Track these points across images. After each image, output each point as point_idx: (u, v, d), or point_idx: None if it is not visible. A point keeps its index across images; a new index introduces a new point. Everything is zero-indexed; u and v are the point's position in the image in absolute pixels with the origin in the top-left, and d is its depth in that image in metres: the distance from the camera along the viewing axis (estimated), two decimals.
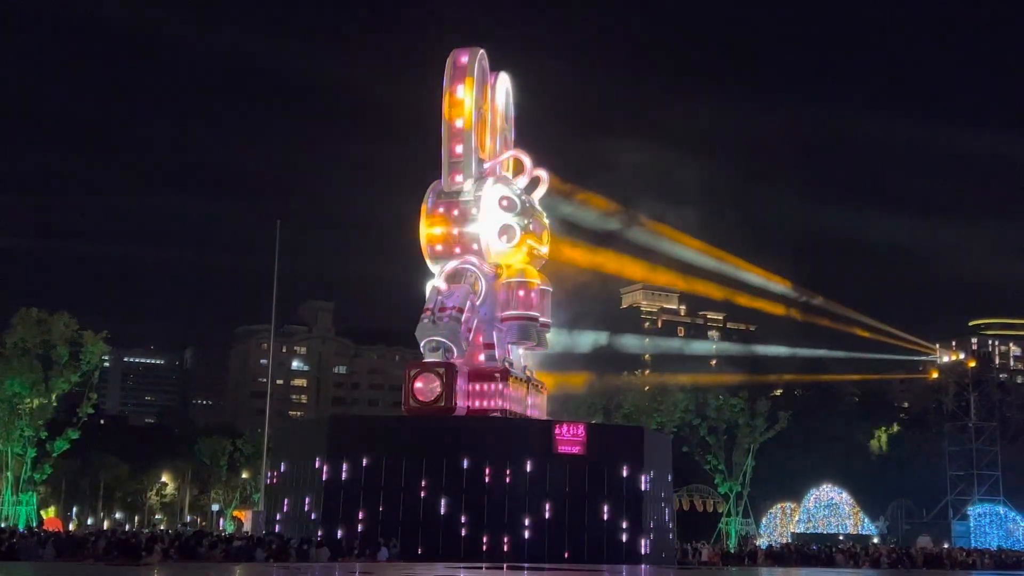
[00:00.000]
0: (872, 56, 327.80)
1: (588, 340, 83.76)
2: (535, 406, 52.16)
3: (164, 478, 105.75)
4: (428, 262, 50.49)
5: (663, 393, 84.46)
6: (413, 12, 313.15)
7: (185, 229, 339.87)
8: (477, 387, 47.98)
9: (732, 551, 68.19)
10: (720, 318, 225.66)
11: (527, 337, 50.30)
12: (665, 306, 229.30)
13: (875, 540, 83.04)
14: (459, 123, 49.55)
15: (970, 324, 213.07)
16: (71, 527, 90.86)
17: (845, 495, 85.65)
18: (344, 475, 45.31)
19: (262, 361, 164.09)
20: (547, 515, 45.70)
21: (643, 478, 47.86)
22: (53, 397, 67.50)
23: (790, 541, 77.54)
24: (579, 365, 78.79)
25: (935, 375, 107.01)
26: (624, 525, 46.89)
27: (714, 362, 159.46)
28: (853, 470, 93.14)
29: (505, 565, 42.45)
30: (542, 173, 53.06)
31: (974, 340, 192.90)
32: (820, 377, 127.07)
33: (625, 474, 47.44)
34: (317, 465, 46.63)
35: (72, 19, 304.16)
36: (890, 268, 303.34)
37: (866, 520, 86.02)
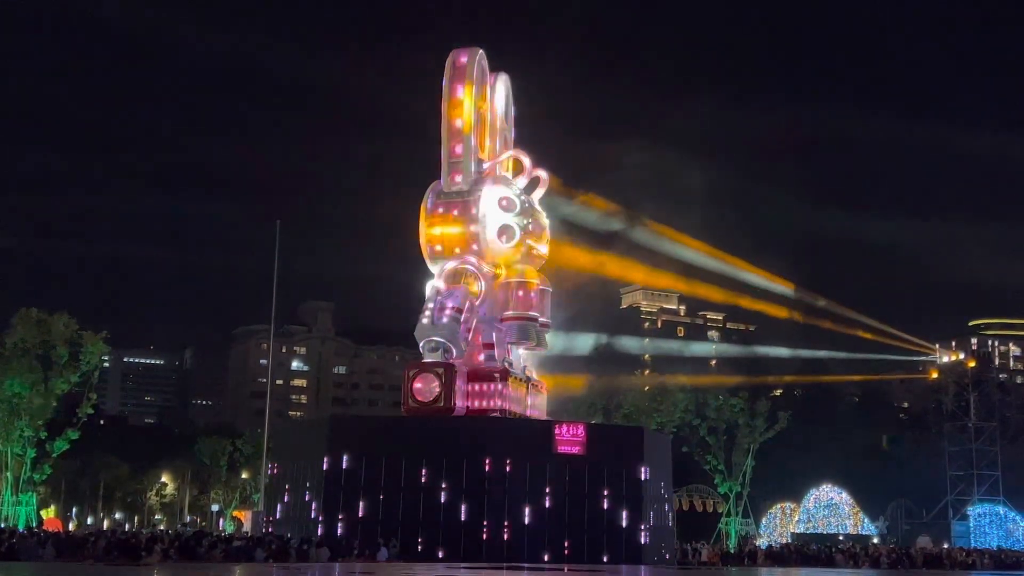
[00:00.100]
0: (872, 57, 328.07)
1: (588, 341, 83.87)
2: (535, 406, 52.18)
3: (164, 478, 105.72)
4: (428, 262, 50.50)
5: (663, 393, 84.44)
6: (413, 12, 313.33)
7: (185, 229, 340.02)
8: (476, 387, 48.00)
9: (732, 551, 68.19)
10: (720, 318, 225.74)
11: (527, 337, 50.34)
12: (665, 306, 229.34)
13: (875, 540, 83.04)
14: (458, 123, 49.57)
15: (970, 324, 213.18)
16: (71, 527, 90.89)
17: (845, 495, 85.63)
18: (344, 475, 45.32)
19: (262, 361, 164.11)
20: (547, 515, 45.71)
21: (643, 478, 47.86)
22: (53, 397, 67.47)
23: (790, 541, 77.53)
24: (579, 366, 78.81)
25: (935, 375, 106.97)
26: (624, 525, 46.91)
27: (714, 362, 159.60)
28: (853, 470, 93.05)
29: (505, 565, 42.45)
30: (542, 173, 53.07)
31: (974, 340, 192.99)
32: (820, 378, 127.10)
33: (625, 474, 47.45)
34: (317, 465, 46.64)
35: (72, 19, 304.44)
36: (890, 268, 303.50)
37: (866, 520, 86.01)
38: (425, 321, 47.15)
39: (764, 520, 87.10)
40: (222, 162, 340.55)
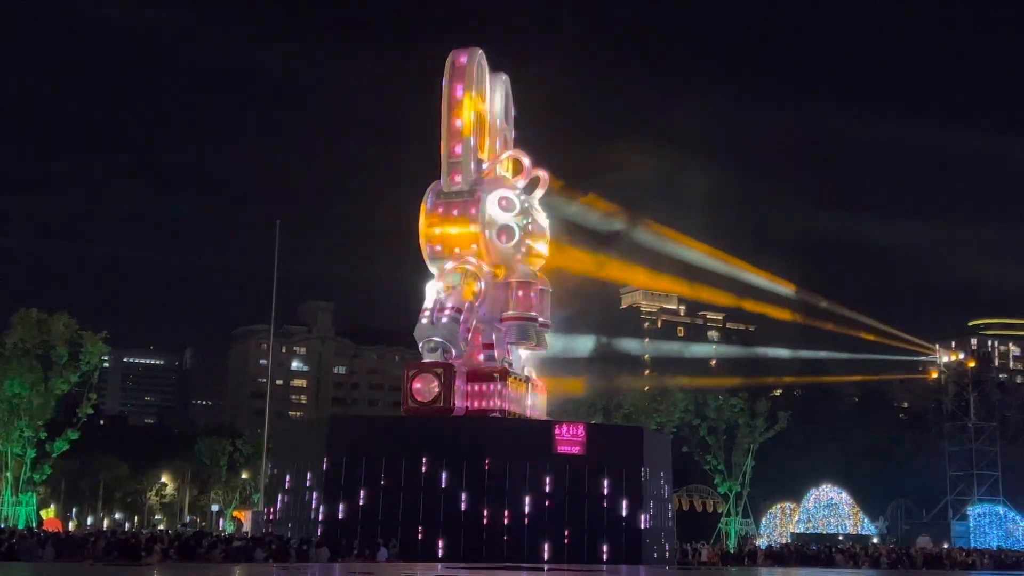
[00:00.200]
0: (872, 57, 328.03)
1: (588, 343, 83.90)
2: (535, 406, 52.17)
3: (164, 478, 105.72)
4: (427, 262, 50.48)
5: (663, 393, 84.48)
6: (413, 13, 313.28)
7: (185, 229, 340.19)
8: (476, 387, 47.97)
9: (732, 551, 68.19)
10: (720, 318, 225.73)
11: (526, 337, 50.31)
12: (665, 306, 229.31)
13: (875, 540, 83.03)
14: (458, 123, 49.55)
15: (970, 324, 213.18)
16: (71, 527, 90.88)
17: (845, 495, 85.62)
18: (344, 476, 45.32)
19: (262, 361, 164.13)
20: (547, 515, 45.71)
21: (643, 478, 47.86)
22: (53, 397, 67.47)
23: (790, 541, 77.53)
24: (579, 368, 78.85)
25: (935, 375, 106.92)
26: (623, 525, 46.90)
27: (713, 362, 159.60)
28: (853, 470, 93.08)
29: (505, 565, 42.44)
30: (541, 173, 53.06)
31: (974, 340, 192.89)
32: (821, 379, 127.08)
33: (625, 474, 47.44)
34: (316, 465, 46.66)
35: (71, 19, 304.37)
36: (890, 268, 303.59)
37: (866, 520, 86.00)
38: (424, 321, 47.17)
39: (764, 520, 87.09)
40: (222, 162, 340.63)
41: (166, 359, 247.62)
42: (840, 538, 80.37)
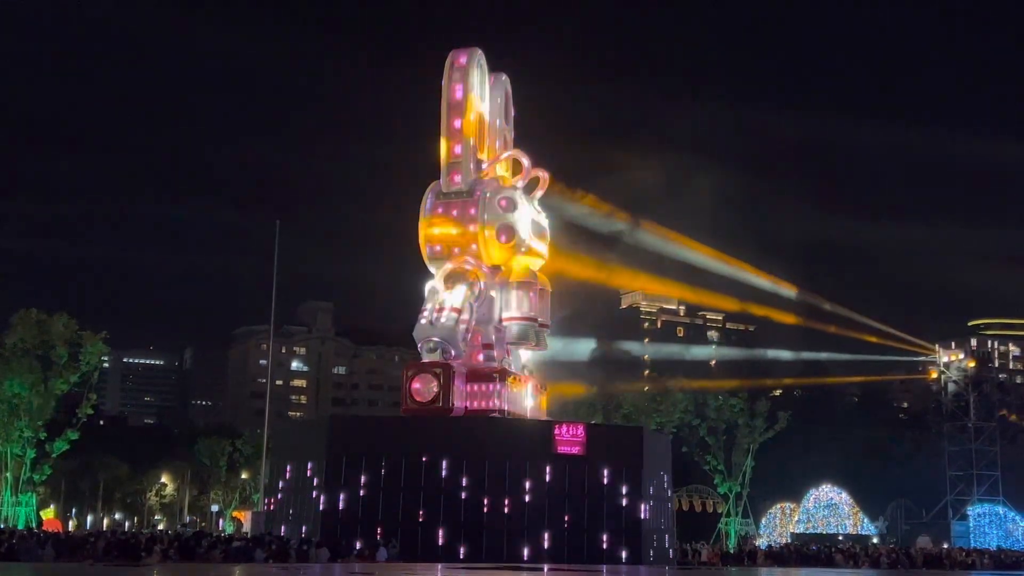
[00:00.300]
0: (875, 63, 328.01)
1: (589, 344, 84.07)
2: (534, 407, 52.19)
3: (163, 479, 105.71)
4: (427, 262, 50.46)
5: (662, 393, 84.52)
6: (413, 13, 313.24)
7: (184, 229, 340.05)
8: (476, 388, 47.97)
9: (732, 551, 68.21)
10: (719, 318, 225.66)
11: (526, 338, 50.32)
12: (664, 306, 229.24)
13: (874, 540, 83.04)
14: (457, 124, 49.53)
15: (970, 324, 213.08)
16: (70, 528, 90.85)
17: (844, 495, 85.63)
18: (343, 476, 45.29)
19: (261, 361, 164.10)
20: (546, 515, 45.71)
21: (643, 478, 47.85)
22: (52, 398, 67.48)
23: (789, 541, 77.55)
24: (580, 369, 78.96)
25: (934, 375, 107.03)
26: (623, 525, 46.89)
27: (713, 362, 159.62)
28: (853, 470, 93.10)
29: (504, 564, 42.46)
30: (541, 173, 53.05)
31: (974, 340, 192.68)
32: (821, 380, 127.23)
33: (625, 474, 47.44)
34: (316, 466, 46.66)
35: (70, 20, 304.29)
36: (890, 269, 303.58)
37: (865, 520, 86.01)
38: (424, 321, 47.16)
39: (764, 520, 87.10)
40: (222, 162, 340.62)
41: (166, 359, 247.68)
42: (840, 538, 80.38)
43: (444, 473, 45.06)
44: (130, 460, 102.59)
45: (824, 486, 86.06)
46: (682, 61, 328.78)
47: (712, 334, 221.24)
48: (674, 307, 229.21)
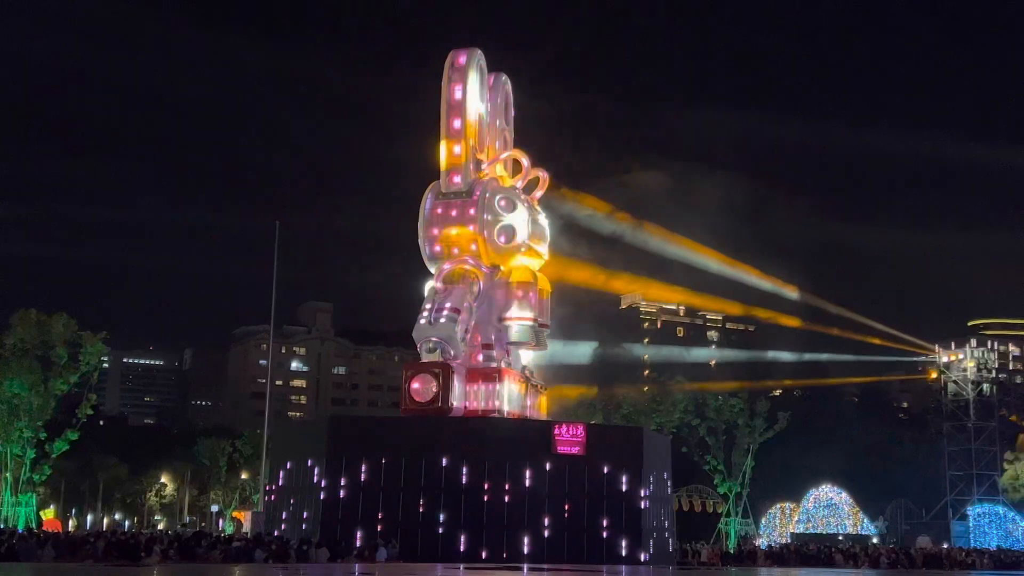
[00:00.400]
0: (875, 68, 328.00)
1: (589, 347, 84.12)
2: (534, 406, 52.20)
3: (163, 479, 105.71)
4: (426, 262, 50.48)
5: (662, 393, 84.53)
6: (414, 13, 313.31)
7: (184, 230, 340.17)
8: (475, 387, 48.01)
9: (731, 551, 68.21)
10: (719, 319, 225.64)
11: (526, 337, 50.27)
12: (664, 306, 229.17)
13: (874, 540, 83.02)
14: (457, 124, 49.52)
15: (969, 324, 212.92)
16: (70, 528, 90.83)
17: (844, 495, 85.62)
18: (343, 476, 45.30)
19: (261, 362, 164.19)
20: (546, 515, 45.72)
21: (642, 478, 47.86)
22: (52, 398, 67.46)
23: (789, 541, 77.54)
24: (581, 372, 79.01)
25: (934, 375, 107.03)
26: (623, 525, 46.90)
27: (713, 362, 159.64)
28: (853, 470, 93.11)
29: (504, 565, 42.46)
30: (541, 173, 53.09)
31: (973, 340, 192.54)
32: (821, 381, 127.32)
33: (624, 474, 47.45)
34: (316, 466, 46.65)
35: (69, 21, 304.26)
36: (890, 269, 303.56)
37: (865, 520, 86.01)
38: (423, 322, 47.13)
39: (764, 520, 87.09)
40: (221, 163, 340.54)
41: (166, 360, 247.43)
42: (840, 538, 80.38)
43: (444, 473, 45.07)
44: (130, 460, 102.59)
45: (824, 486, 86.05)
46: (684, 65, 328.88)
47: (712, 334, 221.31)
48: (674, 307, 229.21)
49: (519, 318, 49.91)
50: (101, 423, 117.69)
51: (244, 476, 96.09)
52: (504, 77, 54.73)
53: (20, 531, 53.44)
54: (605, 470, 46.98)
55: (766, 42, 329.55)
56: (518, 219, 49.74)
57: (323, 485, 45.65)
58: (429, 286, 49.04)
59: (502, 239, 49.42)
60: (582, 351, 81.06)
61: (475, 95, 50.26)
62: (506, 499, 45.32)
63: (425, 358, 47.24)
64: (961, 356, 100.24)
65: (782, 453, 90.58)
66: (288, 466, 50.99)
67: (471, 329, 48.22)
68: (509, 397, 48.68)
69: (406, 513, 44.83)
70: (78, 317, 68.27)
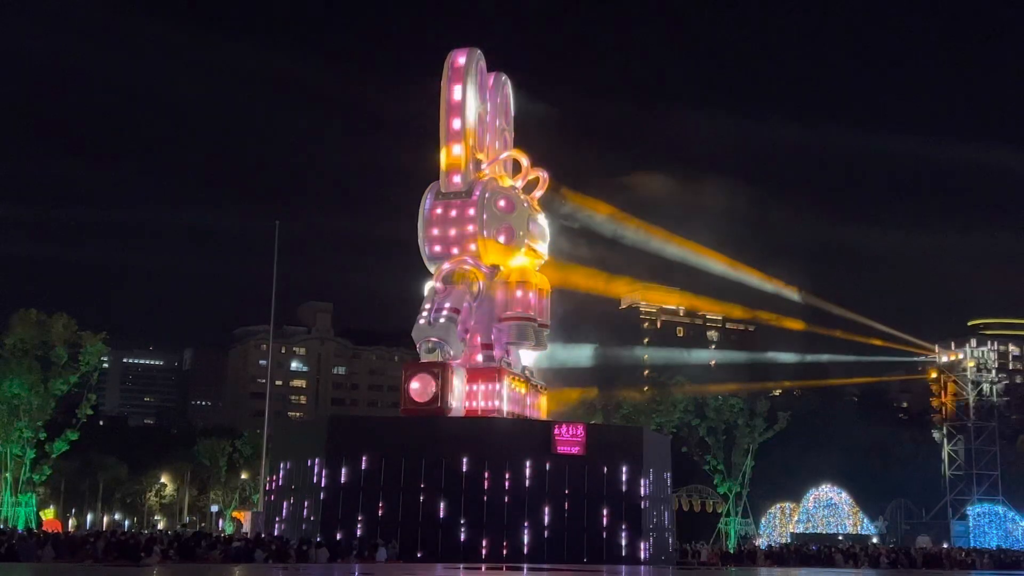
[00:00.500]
0: (875, 72, 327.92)
1: (590, 350, 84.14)
2: (535, 406, 52.18)
3: (163, 479, 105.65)
4: (426, 262, 50.49)
5: (662, 394, 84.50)
6: (414, 13, 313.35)
7: (184, 230, 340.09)
8: (475, 387, 48.02)
9: (731, 551, 68.19)
10: (719, 318, 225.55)
11: (525, 337, 50.28)
12: (664, 306, 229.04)
13: (874, 540, 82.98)
14: (456, 124, 49.56)
15: (969, 324, 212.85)
16: (70, 528, 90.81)
17: (844, 495, 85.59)
18: (343, 476, 45.34)
19: (261, 362, 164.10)
20: (546, 515, 45.73)
21: (642, 478, 47.88)
22: (52, 398, 67.44)
23: (789, 541, 77.53)
24: (581, 375, 78.99)
25: (934, 375, 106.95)
26: (623, 525, 46.94)
27: (713, 362, 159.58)
28: (852, 470, 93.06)
29: (504, 565, 42.45)
30: (541, 173, 53.10)
31: (973, 340, 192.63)
32: (821, 382, 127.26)
33: (624, 474, 47.47)
34: (316, 466, 46.66)
35: (69, 21, 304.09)
36: (890, 269, 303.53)
37: (865, 520, 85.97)
38: (422, 322, 47.14)
39: (763, 520, 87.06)
40: (221, 163, 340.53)
41: (165, 360, 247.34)
42: (840, 538, 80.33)
43: (443, 473, 45.06)
44: (130, 460, 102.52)
45: (824, 486, 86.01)
46: (686, 68, 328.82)
47: (712, 334, 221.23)
48: (674, 307, 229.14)
49: (519, 318, 49.90)
50: (101, 423, 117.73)
51: (244, 476, 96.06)
52: (504, 77, 54.73)
53: (20, 531, 53.42)
54: (605, 470, 47.00)
55: (767, 45, 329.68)
56: (517, 219, 49.75)
57: (323, 485, 45.66)
58: (429, 286, 49.03)
59: (501, 239, 49.43)
60: (583, 353, 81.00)
61: (475, 95, 50.26)
62: (506, 499, 45.33)
63: (424, 358, 47.24)
64: (961, 356, 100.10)
65: (782, 453, 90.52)
66: (288, 466, 51.01)
67: (471, 329, 48.23)
68: (509, 397, 48.68)
69: (406, 513, 44.84)
70: (78, 317, 68.36)
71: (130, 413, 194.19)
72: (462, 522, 44.82)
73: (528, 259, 51.56)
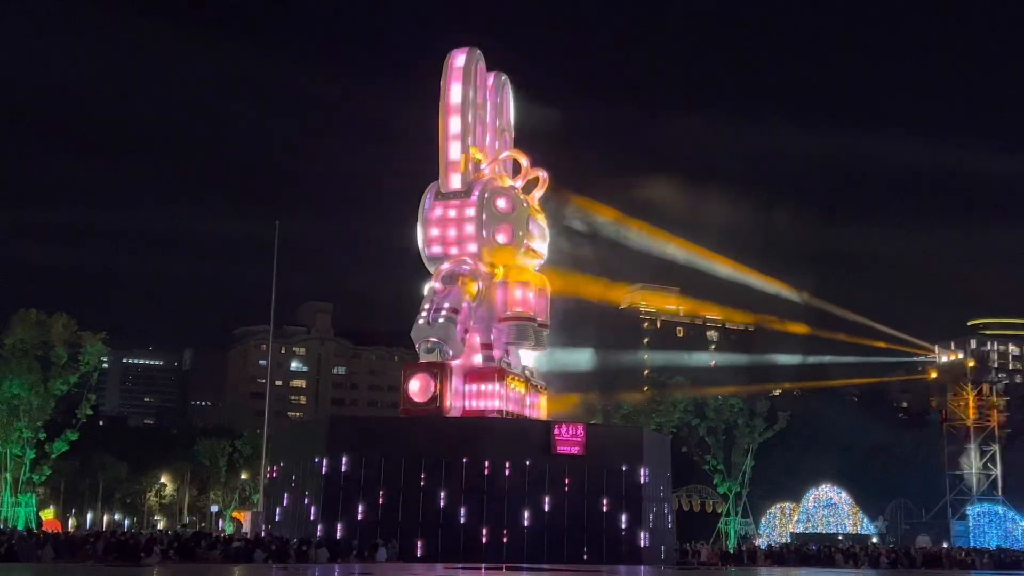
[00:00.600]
0: (874, 78, 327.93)
1: (590, 354, 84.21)
2: (534, 406, 52.15)
3: (163, 479, 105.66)
4: (426, 263, 50.47)
5: (662, 393, 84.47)
6: (414, 13, 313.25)
7: (184, 230, 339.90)
8: (474, 387, 47.98)
9: (731, 551, 68.19)
10: (719, 318, 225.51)
11: (524, 337, 50.26)
12: (664, 305, 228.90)
13: (874, 540, 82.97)
14: (456, 124, 49.50)
15: (969, 324, 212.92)
16: (70, 528, 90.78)
17: (844, 495, 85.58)
18: (343, 476, 45.33)
19: (261, 362, 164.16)
20: (546, 515, 45.72)
21: (642, 478, 47.86)
22: (52, 398, 67.42)
23: (789, 541, 77.52)
24: (582, 379, 79.02)
25: (934, 375, 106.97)
26: (623, 526, 46.91)
27: (713, 362, 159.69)
28: (852, 470, 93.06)
29: (504, 565, 42.44)
30: (541, 173, 53.08)
31: (973, 340, 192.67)
32: (821, 383, 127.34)
33: (624, 474, 47.44)
34: (316, 466, 46.65)
35: (69, 22, 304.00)
36: (890, 269, 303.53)
37: (865, 520, 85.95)
38: (421, 322, 47.12)
39: (763, 520, 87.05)
40: (221, 163, 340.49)
41: (165, 360, 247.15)
42: (840, 538, 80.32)
43: (443, 473, 45.06)
44: (129, 461, 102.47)
45: (824, 486, 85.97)
46: (688, 71, 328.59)
47: (711, 334, 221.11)
48: (674, 307, 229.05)
49: (518, 317, 49.89)
50: (101, 423, 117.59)
51: (244, 476, 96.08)
52: (504, 77, 54.70)
53: (20, 531, 53.41)
54: (605, 470, 46.97)
55: (767, 46, 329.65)
56: (516, 219, 49.70)
57: (323, 486, 45.65)
58: (428, 286, 49.01)
59: (501, 239, 49.38)
60: (583, 358, 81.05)
61: (473, 95, 50.21)
62: (506, 499, 45.31)
63: (423, 358, 47.23)
64: (961, 356, 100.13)
65: (782, 453, 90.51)
66: (289, 466, 51.01)
67: (470, 329, 48.21)
68: (508, 397, 48.65)
69: (406, 513, 44.84)
70: (78, 317, 68.29)
71: (130, 413, 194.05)
72: (462, 522, 44.82)
73: (528, 259, 51.52)
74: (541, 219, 53.16)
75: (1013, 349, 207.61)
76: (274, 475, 53.33)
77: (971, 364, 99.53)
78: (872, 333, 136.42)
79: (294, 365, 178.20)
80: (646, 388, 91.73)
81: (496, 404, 47.76)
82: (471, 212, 49.14)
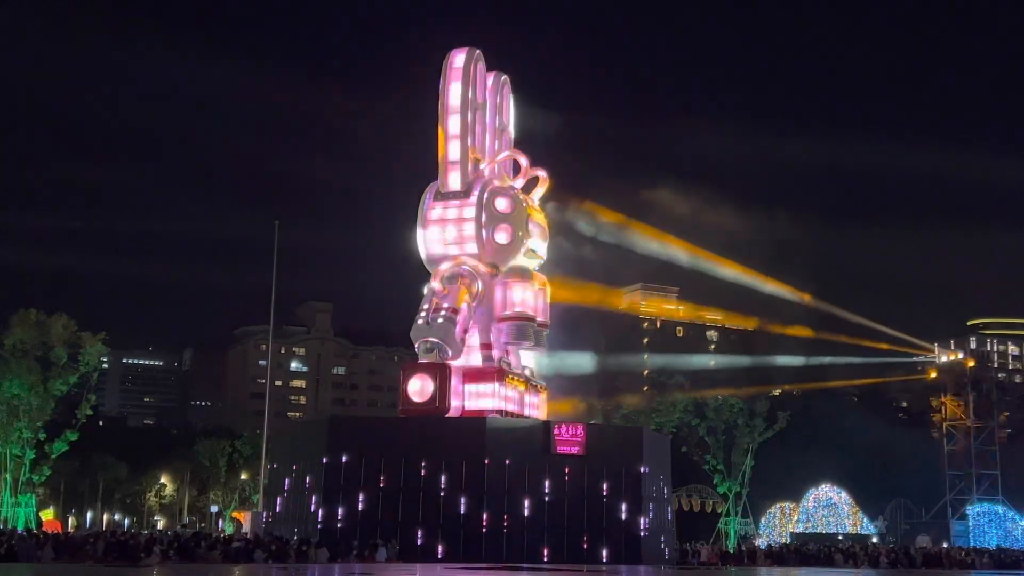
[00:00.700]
0: (873, 72, 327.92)
1: (590, 358, 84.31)
2: (534, 406, 52.13)
3: (163, 479, 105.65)
4: (425, 263, 50.45)
5: (662, 393, 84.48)
6: (414, 13, 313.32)
7: (183, 230, 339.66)
8: (474, 387, 47.95)
9: (731, 551, 68.19)
10: (719, 318, 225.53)
11: (524, 337, 50.24)
12: (664, 306, 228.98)
13: (874, 540, 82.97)
14: (455, 124, 49.49)
15: (969, 324, 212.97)
16: (70, 529, 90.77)
17: (844, 495, 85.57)
18: (343, 476, 45.33)
19: (261, 362, 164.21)
20: (546, 515, 45.72)
21: (642, 478, 47.86)
22: (52, 399, 67.41)
23: (789, 541, 77.52)
24: (583, 382, 79.10)
25: (934, 375, 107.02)
26: (623, 525, 46.91)
27: (713, 362, 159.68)
28: (852, 470, 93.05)
29: (504, 565, 42.45)
30: (540, 173, 53.07)
31: (973, 340, 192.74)
32: (821, 384, 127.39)
33: (624, 475, 47.44)
34: (316, 466, 46.66)
35: (69, 23, 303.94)
36: (889, 269, 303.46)
37: (865, 520, 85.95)
38: (420, 322, 47.12)
39: (763, 520, 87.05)
40: (221, 163, 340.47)
41: (165, 360, 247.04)
42: (839, 538, 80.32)
43: (443, 473, 45.08)
44: (129, 461, 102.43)
45: (824, 486, 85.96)
46: (690, 75, 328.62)
47: (711, 334, 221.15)
48: (674, 307, 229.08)
49: (517, 317, 49.87)
50: (101, 424, 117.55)
51: (244, 476, 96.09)
52: (503, 77, 54.68)
53: (20, 532, 53.41)
54: (605, 470, 46.97)
55: (772, 51, 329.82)
56: (516, 219, 49.69)
57: (322, 485, 45.67)
58: (427, 286, 48.99)
59: (501, 239, 49.36)
60: (584, 361, 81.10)
61: (473, 95, 50.20)
62: (505, 499, 45.33)
63: (423, 358, 47.24)
64: (961, 356, 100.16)
65: (782, 453, 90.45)
66: (288, 465, 50.99)
67: (469, 329, 48.19)
68: (508, 397, 48.64)
69: (406, 513, 44.85)
70: (78, 318, 68.26)
71: (130, 413, 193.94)
72: (462, 522, 44.82)
73: (527, 259, 51.51)
74: (541, 219, 53.12)
75: (1013, 349, 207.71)
76: (274, 467, 53.26)
77: (971, 364, 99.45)
78: (872, 334, 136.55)
79: (294, 365, 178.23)
80: (646, 388, 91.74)
81: (495, 404, 47.73)
82: (471, 212, 49.12)
